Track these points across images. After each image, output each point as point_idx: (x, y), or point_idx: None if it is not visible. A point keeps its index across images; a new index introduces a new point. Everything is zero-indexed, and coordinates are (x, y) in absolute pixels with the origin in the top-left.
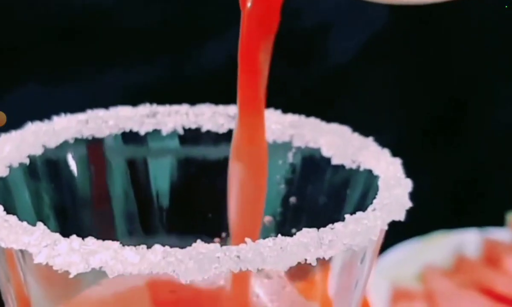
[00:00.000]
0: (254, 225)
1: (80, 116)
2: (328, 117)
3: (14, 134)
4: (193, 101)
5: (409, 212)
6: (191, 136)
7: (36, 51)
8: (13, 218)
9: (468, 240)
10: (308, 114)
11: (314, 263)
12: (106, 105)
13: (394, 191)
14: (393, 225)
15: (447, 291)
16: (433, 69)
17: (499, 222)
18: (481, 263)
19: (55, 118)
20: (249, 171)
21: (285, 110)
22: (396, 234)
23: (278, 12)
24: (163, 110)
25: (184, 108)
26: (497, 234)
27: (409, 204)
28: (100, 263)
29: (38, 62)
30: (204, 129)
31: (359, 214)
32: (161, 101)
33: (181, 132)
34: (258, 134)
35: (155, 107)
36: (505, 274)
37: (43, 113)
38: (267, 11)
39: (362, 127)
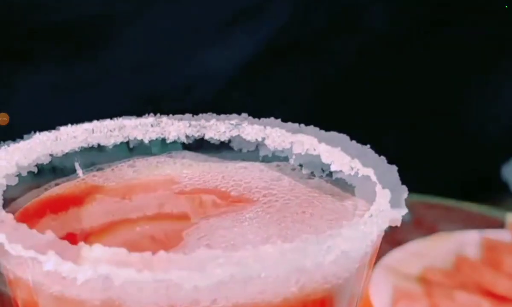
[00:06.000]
0: None
1: (86, 126)
2: (326, 124)
3: (22, 144)
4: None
5: None
6: (194, 144)
7: (41, 54)
8: (23, 226)
9: (468, 241)
10: (307, 121)
11: (312, 268)
12: (111, 109)
13: (390, 198)
14: None
15: (447, 292)
16: (429, 75)
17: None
18: (481, 264)
19: (62, 128)
20: None
21: (285, 118)
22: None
23: None
24: (166, 119)
25: (187, 117)
26: (497, 235)
27: (405, 210)
28: (107, 270)
29: (43, 64)
30: (206, 137)
31: (356, 220)
32: (166, 106)
33: (184, 140)
34: None
35: (159, 117)
36: (506, 275)
37: (48, 116)
38: None
39: (362, 131)
